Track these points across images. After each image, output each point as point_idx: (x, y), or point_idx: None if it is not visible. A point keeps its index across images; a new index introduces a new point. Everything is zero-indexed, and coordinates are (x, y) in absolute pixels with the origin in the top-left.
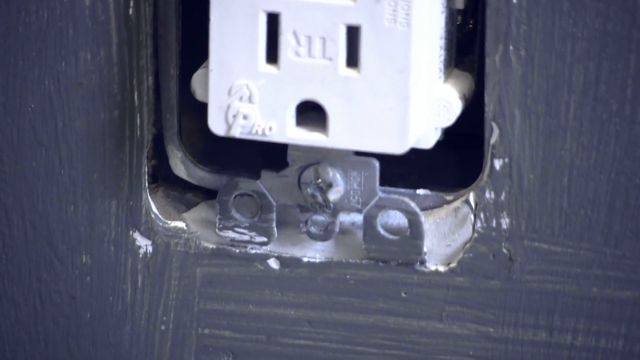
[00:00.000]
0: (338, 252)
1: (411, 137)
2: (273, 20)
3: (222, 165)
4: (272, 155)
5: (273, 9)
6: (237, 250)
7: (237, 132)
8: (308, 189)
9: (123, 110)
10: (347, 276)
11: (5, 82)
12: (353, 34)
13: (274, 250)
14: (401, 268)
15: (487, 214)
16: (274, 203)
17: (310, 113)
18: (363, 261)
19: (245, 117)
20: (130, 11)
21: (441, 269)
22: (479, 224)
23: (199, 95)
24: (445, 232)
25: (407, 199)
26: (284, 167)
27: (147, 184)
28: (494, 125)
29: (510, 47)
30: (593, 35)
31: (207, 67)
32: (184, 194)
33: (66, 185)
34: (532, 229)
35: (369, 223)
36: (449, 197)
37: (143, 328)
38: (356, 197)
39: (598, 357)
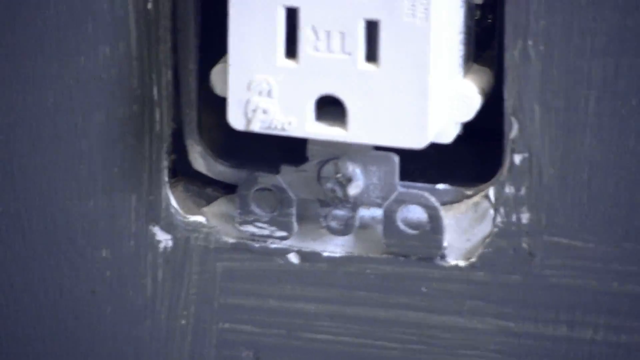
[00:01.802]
0: (358, 247)
1: (430, 131)
2: (292, 15)
3: (241, 159)
4: (292, 150)
5: (292, 3)
6: (257, 245)
7: (256, 127)
8: (328, 184)
9: (142, 105)
10: (367, 271)
11: (25, 77)
12: (372, 28)
13: (294, 245)
14: (421, 263)
15: (507, 208)
16: (294, 198)
17: (330, 108)
18: (383, 256)
19: (264, 112)
20: (149, 5)
21: (461, 263)
22: (498, 219)
23: (218, 90)
24: (465, 227)
25: (426, 194)
26: (304, 161)
27: (166, 179)
28: (514, 120)
29: (530, 42)
30: (612, 30)
31: (226, 61)
32: (204, 189)
33: (86, 179)
34: (552, 224)
35: (388, 218)
36: (468, 192)
37: (163, 323)
38: (376, 192)
39: (619, 352)
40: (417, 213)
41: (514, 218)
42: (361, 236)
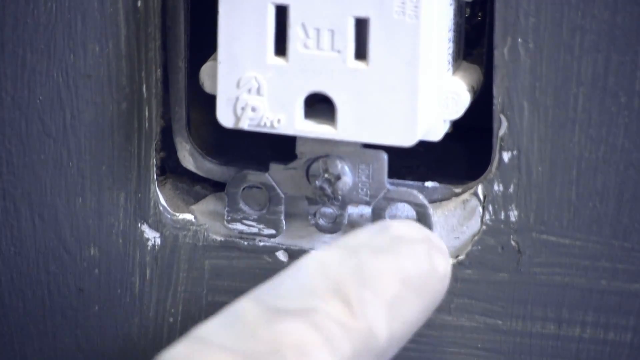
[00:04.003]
0: None
1: (420, 129)
2: (281, 13)
3: (230, 157)
4: (281, 148)
5: (282, 1)
6: (246, 243)
7: (245, 125)
8: (316, 181)
9: (131, 103)
10: None
11: (14, 74)
12: (362, 26)
13: (282, 243)
14: None
15: (496, 206)
16: (283, 195)
17: (319, 105)
18: None
19: (253, 110)
20: (139, 3)
21: (450, 261)
22: (487, 217)
23: (207, 88)
24: (453, 225)
25: (415, 192)
26: (293, 159)
27: (155, 176)
28: (503, 117)
29: (519, 40)
30: (602, 28)
31: (215, 59)
32: (193, 186)
33: (74, 177)
34: (541, 222)
35: (377, 215)
36: (457, 190)
37: (151, 320)
38: (364, 190)
39: (606, 349)
40: (405, 211)
41: (502, 216)
42: None
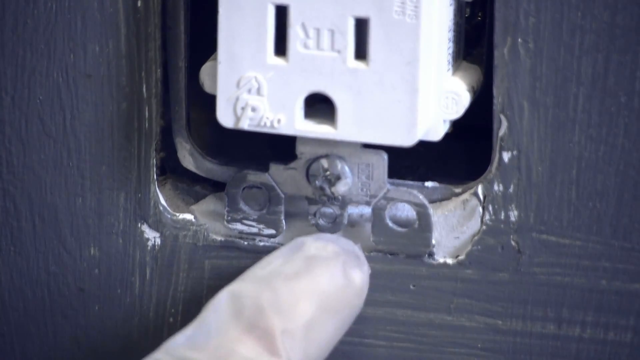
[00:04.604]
0: None
1: (420, 129)
2: (282, 13)
3: (230, 157)
4: (281, 148)
5: (282, 1)
6: (246, 243)
7: (245, 125)
8: (316, 181)
9: (131, 103)
10: None
11: (14, 74)
12: (362, 26)
13: (282, 243)
14: (409, 260)
15: (496, 206)
16: (283, 195)
17: (319, 105)
18: (371, 253)
19: (253, 109)
20: (139, 3)
21: (449, 261)
22: (487, 217)
23: (207, 88)
24: (453, 225)
25: (415, 192)
26: (293, 159)
27: (155, 176)
28: (503, 117)
29: (519, 40)
30: (602, 28)
31: (215, 59)
32: (193, 186)
33: (74, 177)
34: (541, 221)
35: (377, 215)
36: (457, 190)
37: (151, 320)
38: (364, 190)
39: (606, 349)
40: (405, 211)
41: (502, 215)
42: (350, 234)
